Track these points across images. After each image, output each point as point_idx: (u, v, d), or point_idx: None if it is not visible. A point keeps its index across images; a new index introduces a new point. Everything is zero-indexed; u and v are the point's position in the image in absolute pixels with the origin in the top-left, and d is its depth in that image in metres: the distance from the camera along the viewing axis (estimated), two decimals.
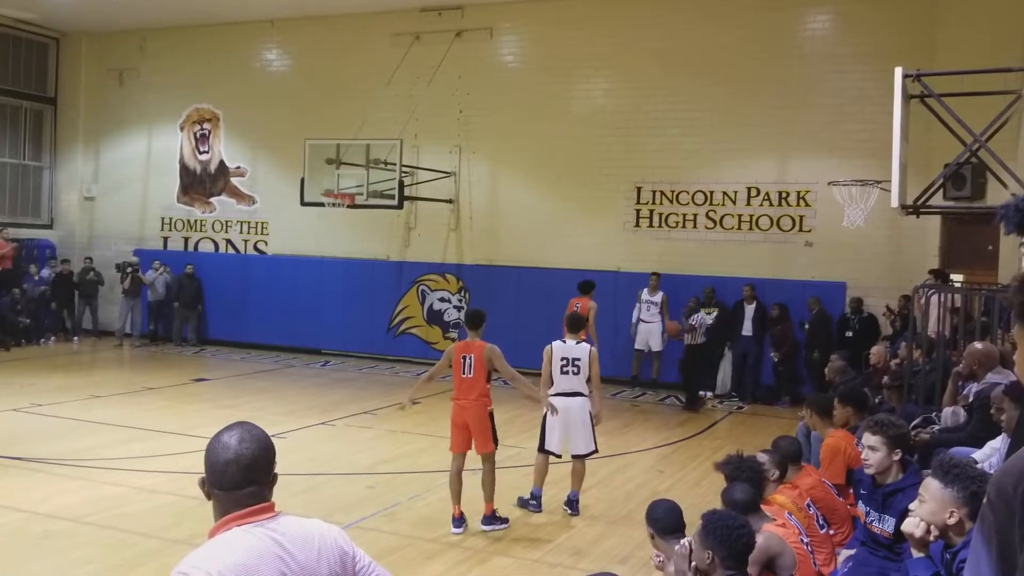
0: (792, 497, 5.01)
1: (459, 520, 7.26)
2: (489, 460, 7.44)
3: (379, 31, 16.92)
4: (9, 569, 6.14)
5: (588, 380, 7.89)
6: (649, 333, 14.61)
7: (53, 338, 18.08)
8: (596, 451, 8.02)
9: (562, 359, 7.88)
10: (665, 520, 4.21)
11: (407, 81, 16.15)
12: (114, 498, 7.85)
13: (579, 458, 7.91)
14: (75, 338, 18.36)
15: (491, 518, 7.36)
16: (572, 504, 7.85)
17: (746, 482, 4.49)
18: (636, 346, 14.71)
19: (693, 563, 3.70)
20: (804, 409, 6.94)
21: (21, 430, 10.27)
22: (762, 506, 4.54)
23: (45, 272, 18.43)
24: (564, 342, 8.00)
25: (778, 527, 4.38)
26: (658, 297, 14.55)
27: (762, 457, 5.15)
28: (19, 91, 19.74)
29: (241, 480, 2.32)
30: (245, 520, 2.30)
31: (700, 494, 8.32)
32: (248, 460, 2.33)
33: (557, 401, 7.83)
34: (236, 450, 2.34)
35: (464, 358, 7.42)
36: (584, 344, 8.07)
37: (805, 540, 4.58)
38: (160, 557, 6.38)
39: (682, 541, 3.92)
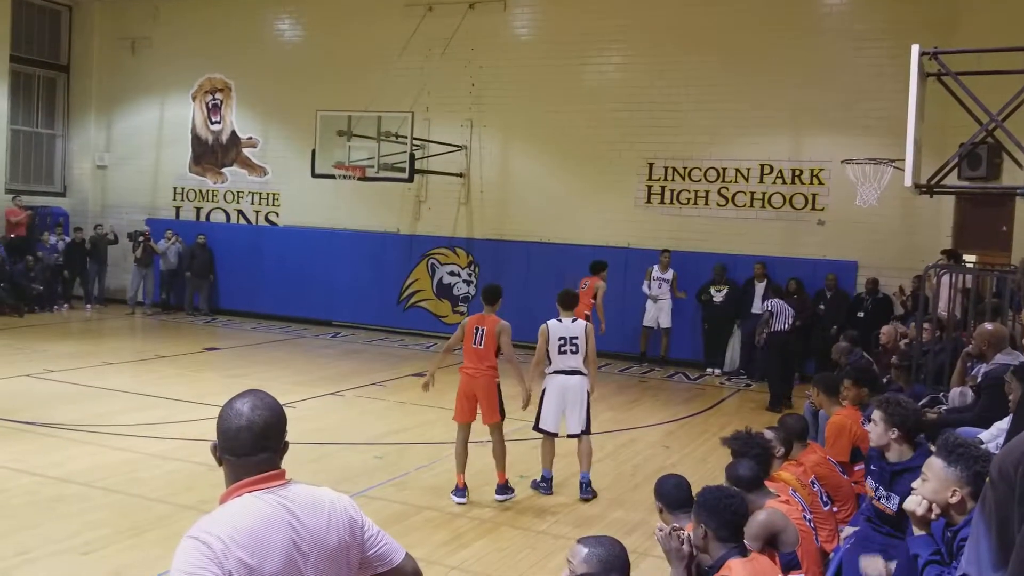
0: (797, 474, 5.04)
1: (462, 490, 7.33)
2: (497, 431, 7.51)
3: (392, 2, 16.83)
4: (24, 531, 6.23)
5: (585, 358, 7.83)
6: (659, 310, 14.60)
7: (67, 305, 18.22)
8: (587, 431, 7.90)
9: (560, 339, 7.80)
10: (674, 495, 4.24)
11: (419, 53, 16.07)
12: (126, 463, 7.94)
13: (574, 437, 7.88)
14: (88, 306, 18.49)
15: (504, 487, 7.45)
16: (585, 487, 7.72)
17: (752, 458, 4.51)
18: (645, 323, 14.71)
19: (683, 543, 3.72)
20: (811, 387, 6.96)
21: (35, 395, 10.37)
22: (766, 482, 4.56)
23: (54, 240, 18.51)
24: (560, 321, 7.92)
25: (781, 503, 4.41)
26: (669, 275, 14.54)
27: (768, 434, 5.18)
28: (32, 58, 19.75)
29: (253, 447, 2.34)
30: (256, 486, 2.33)
31: (707, 470, 8.37)
32: (260, 427, 2.35)
33: (557, 379, 7.79)
34: (248, 417, 2.36)
35: (477, 330, 7.49)
36: (580, 321, 8.03)
37: (808, 517, 4.61)
38: (171, 522, 6.47)
39: (658, 524, 3.95)
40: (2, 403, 9.86)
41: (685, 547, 3.71)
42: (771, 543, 4.28)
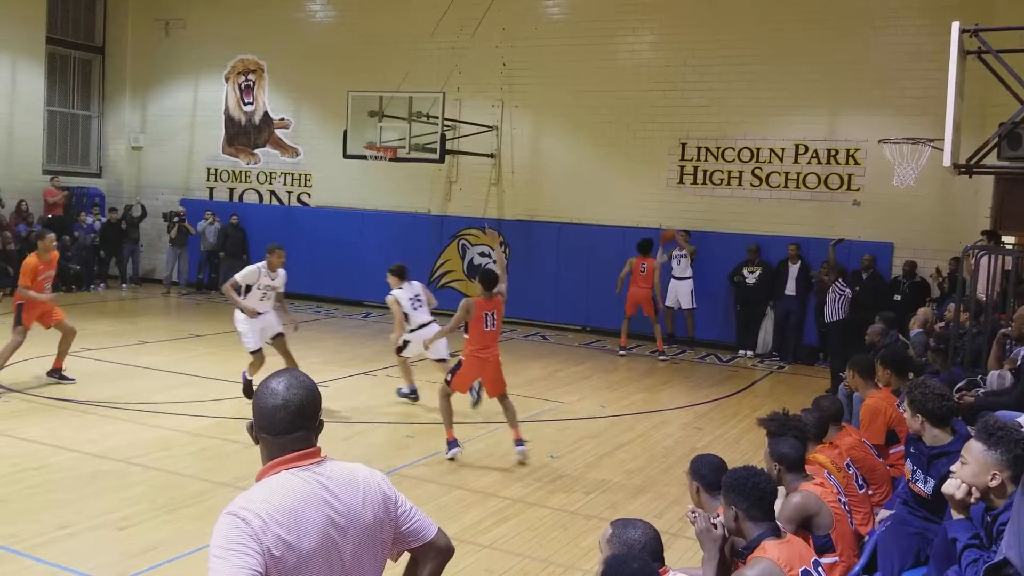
0: (832, 456, 4.99)
1: (454, 442, 7.95)
2: (506, 396, 8.12)
3: None
4: (63, 506, 6.35)
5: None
6: (679, 290, 14.44)
7: (103, 284, 18.47)
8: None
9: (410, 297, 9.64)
10: (713, 476, 4.21)
11: (450, 33, 16.00)
12: (161, 440, 8.06)
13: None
14: (124, 285, 18.73)
15: (520, 440, 8.03)
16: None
17: (790, 439, 4.47)
18: (666, 303, 14.55)
19: (718, 526, 3.70)
20: (846, 370, 6.88)
21: (72, 373, 10.53)
22: (801, 464, 4.52)
23: (91, 220, 18.75)
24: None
25: (816, 486, 4.37)
26: (686, 251, 14.33)
27: (803, 416, 5.13)
28: (68, 40, 19.95)
29: (289, 425, 2.36)
30: (293, 464, 2.35)
31: (740, 451, 8.34)
32: (296, 406, 2.37)
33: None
34: (284, 396, 2.38)
35: (488, 314, 7.97)
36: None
37: (843, 499, 4.57)
38: (206, 499, 6.57)
39: (688, 507, 3.93)
40: (41, 380, 10.04)
41: (718, 530, 3.69)
42: (805, 526, 4.25)
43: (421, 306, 9.78)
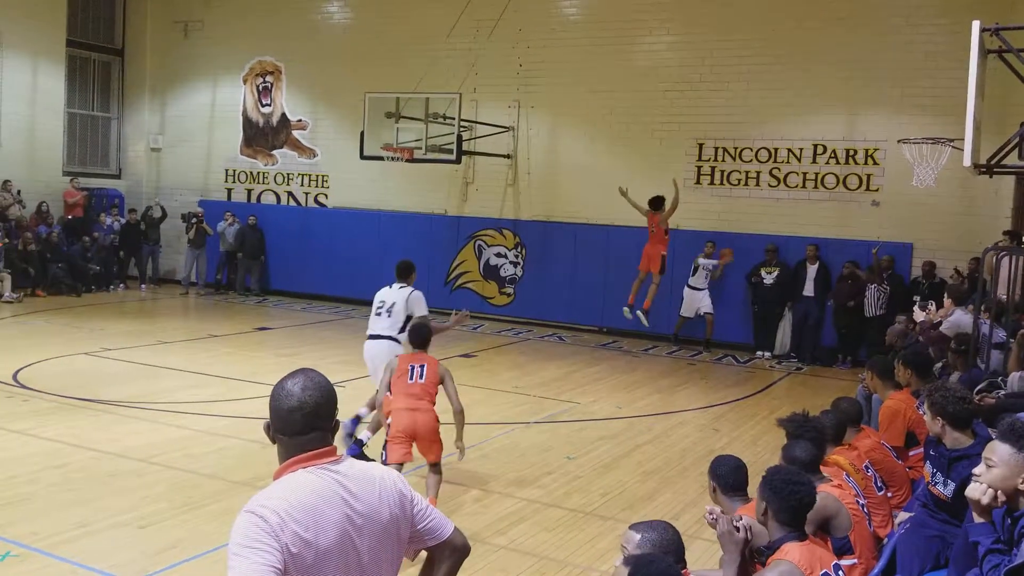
0: (851, 458, 4.96)
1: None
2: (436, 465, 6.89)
3: None
4: (83, 504, 6.40)
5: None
6: (696, 299, 14.40)
7: (122, 285, 18.61)
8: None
9: (379, 302, 7.92)
10: (732, 477, 4.20)
11: (467, 34, 16.03)
12: (180, 440, 8.11)
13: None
14: (143, 286, 18.87)
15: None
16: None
17: (809, 441, 4.44)
18: (682, 312, 14.52)
19: (740, 528, 3.68)
20: (865, 371, 6.84)
21: (92, 373, 10.63)
22: (820, 467, 4.50)
23: (110, 221, 18.89)
24: (389, 287, 7.98)
25: (835, 488, 4.34)
26: (713, 262, 14.28)
27: (821, 418, 5.10)
28: (88, 43, 20.12)
29: (305, 427, 2.38)
30: (310, 462, 2.37)
31: (757, 452, 8.30)
32: (312, 407, 2.39)
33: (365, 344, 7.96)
34: (300, 398, 2.39)
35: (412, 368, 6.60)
36: (406, 288, 7.92)
37: (862, 502, 4.54)
38: (224, 498, 6.60)
39: (707, 508, 3.91)
40: (61, 380, 10.12)
41: (740, 533, 3.67)
42: (824, 528, 4.23)
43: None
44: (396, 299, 7.85)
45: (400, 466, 6.23)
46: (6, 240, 16.59)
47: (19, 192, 17.81)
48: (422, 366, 6.50)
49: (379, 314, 7.93)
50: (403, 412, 6.34)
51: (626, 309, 13.27)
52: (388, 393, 6.51)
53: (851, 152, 14.19)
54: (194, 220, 18.62)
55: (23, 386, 9.80)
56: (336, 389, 2.50)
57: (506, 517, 6.61)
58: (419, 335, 6.74)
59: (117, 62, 20.75)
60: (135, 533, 5.96)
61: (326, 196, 18.69)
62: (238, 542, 2.22)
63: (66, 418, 8.65)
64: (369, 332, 7.97)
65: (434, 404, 6.45)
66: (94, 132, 20.60)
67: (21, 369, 10.54)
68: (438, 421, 6.41)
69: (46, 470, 7.10)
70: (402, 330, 7.71)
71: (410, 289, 7.89)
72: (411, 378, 6.47)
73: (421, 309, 7.83)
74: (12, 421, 8.41)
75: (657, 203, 13.31)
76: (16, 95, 18.30)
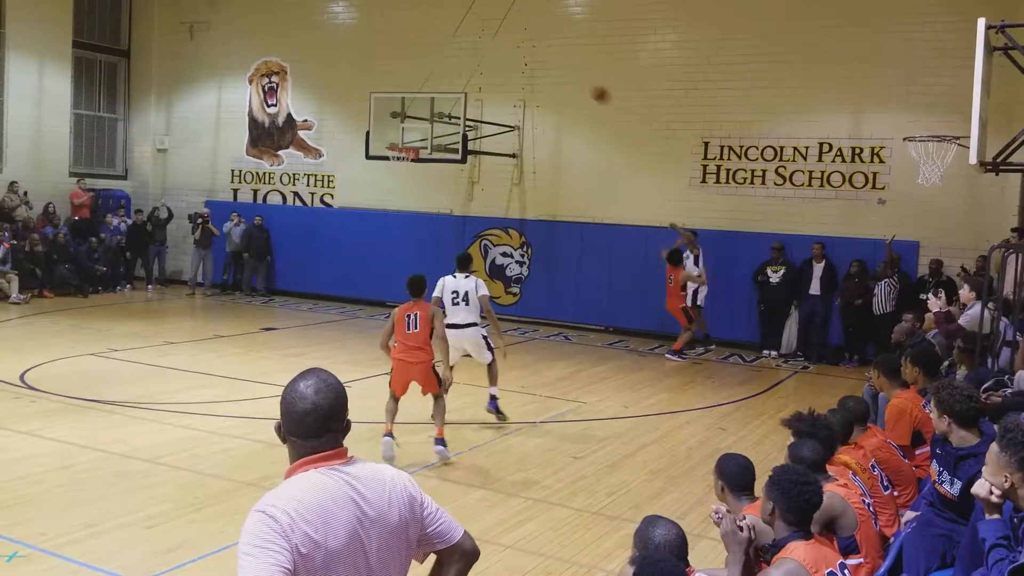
0: (857, 457, 4.95)
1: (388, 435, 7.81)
2: (439, 396, 8.06)
3: None
4: (89, 504, 6.42)
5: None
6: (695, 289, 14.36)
7: (129, 286, 18.66)
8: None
9: (452, 292, 8.91)
10: (738, 476, 4.19)
11: (472, 33, 16.00)
12: (187, 440, 8.13)
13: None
14: (149, 286, 18.91)
15: (441, 440, 7.85)
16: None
17: (816, 440, 4.43)
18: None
19: (744, 528, 3.68)
20: (871, 369, 6.82)
21: (98, 373, 10.66)
22: (827, 466, 4.49)
23: (116, 221, 18.95)
24: (454, 276, 9.05)
25: (840, 487, 4.34)
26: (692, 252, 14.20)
27: (828, 417, 5.09)
28: (94, 44, 20.17)
29: (318, 429, 2.38)
30: (321, 463, 2.37)
31: (763, 452, 8.28)
32: (325, 411, 2.39)
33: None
34: (313, 400, 2.39)
35: (408, 316, 7.87)
36: (471, 278, 9.08)
37: (868, 501, 4.53)
38: (230, 498, 6.61)
39: (713, 507, 3.91)
40: (68, 381, 10.16)
41: (744, 532, 3.67)
42: (829, 527, 4.22)
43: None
44: (468, 287, 8.97)
45: (392, 437, 7.67)
46: (13, 241, 16.64)
47: (26, 193, 17.88)
48: (416, 315, 7.77)
49: (457, 304, 8.93)
50: (401, 364, 7.81)
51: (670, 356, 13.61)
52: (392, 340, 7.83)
53: (857, 150, 14.15)
54: (200, 221, 18.65)
55: (30, 387, 9.83)
56: (343, 386, 2.50)
57: (512, 517, 6.61)
58: (416, 285, 7.95)
59: (123, 63, 20.80)
60: (142, 533, 5.98)
61: (332, 196, 18.71)
62: (248, 541, 2.21)
63: (73, 419, 8.68)
64: (454, 321, 8.80)
65: (428, 345, 7.77)
66: (100, 133, 20.65)
67: (28, 370, 10.58)
68: (432, 364, 7.85)
69: (53, 471, 7.12)
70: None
71: (474, 277, 9.12)
72: (408, 327, 7.76)
73: (486, 291, 9.12)
74: (19, 422, 8.45)
75: (675, 258, 13.49)
76: (22, 96, 18.37)
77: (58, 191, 18.76)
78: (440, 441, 7.85)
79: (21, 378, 10.19)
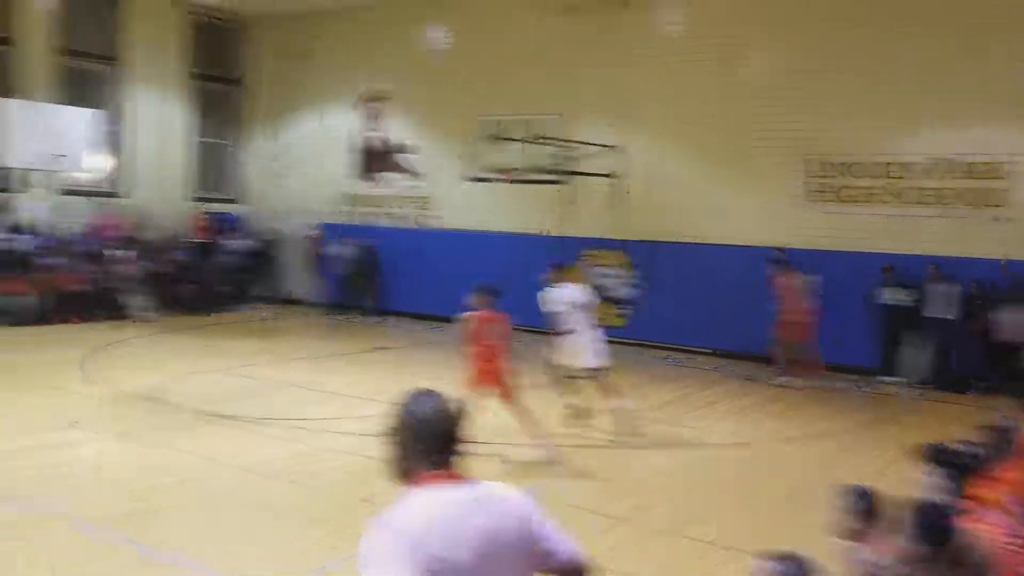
0: (997, 492, 4.78)
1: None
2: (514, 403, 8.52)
3: (539, 5, 16.95)
4: (215, 515, 6.72)
5: None
6: None
7: (248, 306, 19.37)
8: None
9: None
10: (861, 508, 4.12)
11: (568, 54, 16.11)
12: (305, 455, 8.41)
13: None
14: (267, 307, 19.61)
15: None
16: None
17: (950, 473, 4.32)
18: None
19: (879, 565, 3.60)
20: (1005, 398, 6.56)
21: (223, 389, 11.10)
22: (964, 500, 4.36)
23: (235, 244, 19.76)
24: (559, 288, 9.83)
25: (977, 523, 4.20)
26: None
27: (962, 448, 4.94)
28: (210, 74, 21.15)
29: (438, 447, 2.46)
30: (442, 480, 2.44)
31: (885, 483, 7.98)
32: (443, 431, 2.47)
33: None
34: (432, 421, 2.48)
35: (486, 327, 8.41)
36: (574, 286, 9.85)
37: (1011, 539, 4.37)
38: (346, 512, 6.76)
39: (838, 537, 3.81)
40: (194, 396, 10.63)
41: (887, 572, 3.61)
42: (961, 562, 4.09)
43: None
44: (577, 296, 9.75)
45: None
46: (145, 263, 17.58)
47: (153, 217, 18.83)
48: (492, 324, 8.33)
49: (574, 312, 9.61)
50: (477, 372, 8.38)
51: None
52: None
53: (972, 166, 13.61)
54: (311, 243, 19.30)
55: (159, 400, 10.30)
56: (461, 406, 2.59)
57: (625, 543, 6.59)
58: (491, 291, 8.62)
59: (235, 91, 21.72)
60: (256, 547, 6.17)
61: (435, 218, 19.05)
62: (371, 557, 2.26)
63: (198, 433, 9.08)
64: (572, 328, 9.62)
65: (503, 352, 8.31)
66: (215, 159, 21.59)
67: (158, 384, 11.10)
68: (500, 371, 8.34)
69: (174, 482, 7.45)
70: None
71: (572, 285, 9.95)
72: (484, 337, 8.28)
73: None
74: (147, 433, 8.90)
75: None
76: (148, 128, 19.47)
77: (181, 215, 19.75)
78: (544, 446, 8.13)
79: (151, 392, 10.70)
